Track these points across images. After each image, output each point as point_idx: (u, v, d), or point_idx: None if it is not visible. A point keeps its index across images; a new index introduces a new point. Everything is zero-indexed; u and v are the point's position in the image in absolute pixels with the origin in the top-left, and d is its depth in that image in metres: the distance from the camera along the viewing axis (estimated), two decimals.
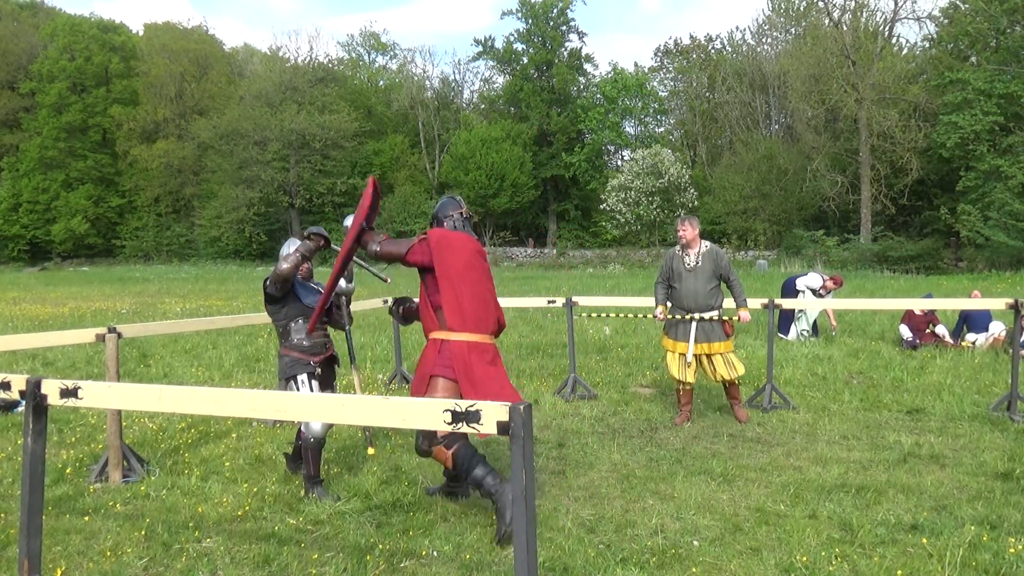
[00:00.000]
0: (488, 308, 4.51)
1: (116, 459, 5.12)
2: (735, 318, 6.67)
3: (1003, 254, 28.45)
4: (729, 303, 6.78)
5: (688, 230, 6.61)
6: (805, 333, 11.36)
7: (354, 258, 5.13)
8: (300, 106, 45.14)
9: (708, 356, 6.56)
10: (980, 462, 5.33)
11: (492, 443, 5.76)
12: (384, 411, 2.73)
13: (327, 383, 5.15)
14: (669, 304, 6.73)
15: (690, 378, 6.59)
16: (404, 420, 2.73)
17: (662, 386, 8.18)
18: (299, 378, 4.97)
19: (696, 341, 6.51)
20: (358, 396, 2.92)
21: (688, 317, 6.51)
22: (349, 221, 4.79)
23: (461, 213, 4.67)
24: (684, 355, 6.53)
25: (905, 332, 10.52)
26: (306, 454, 4.82)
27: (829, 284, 11.55)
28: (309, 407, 3.12)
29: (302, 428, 4.87)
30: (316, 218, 45.84)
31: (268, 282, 5.03)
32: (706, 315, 6.50)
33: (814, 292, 11.42)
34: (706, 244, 6.67)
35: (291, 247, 5.12)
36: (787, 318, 11.35)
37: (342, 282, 5.19)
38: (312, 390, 4.94)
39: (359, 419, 2.96)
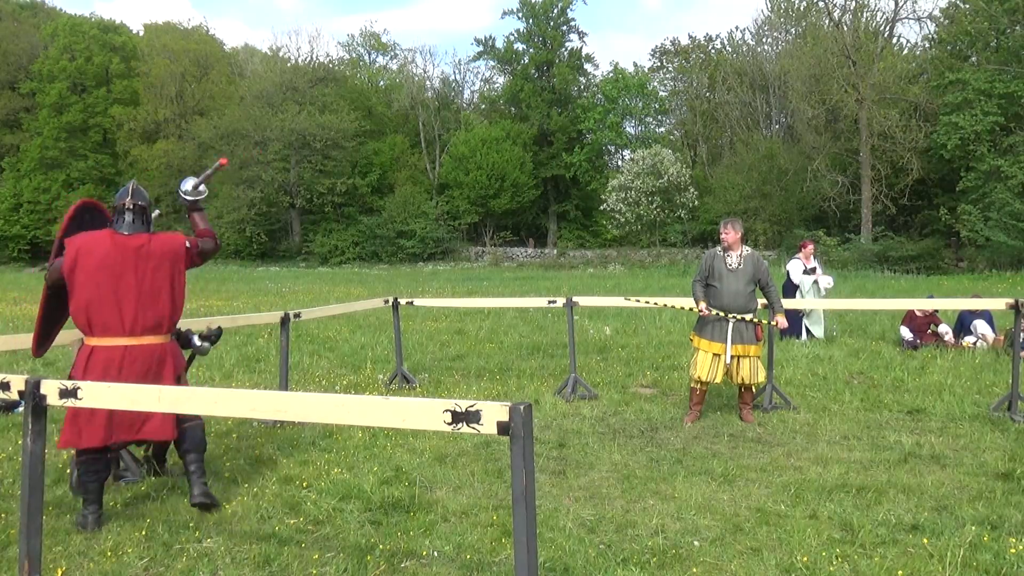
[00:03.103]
0: (139, 309, 4.29)
1: None
2: (772, 322, 6.79)
3: (1003, 254, 28.46)
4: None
5: (731, 233, 6.70)
6: (817, 327, 11.30)
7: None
8: (300, 106, 45.12)
9: (738, 358, 6.60)
10: (981, 462, 5.33)
11: (492, 443, 5.76)
12: (384, 411, 2.73)
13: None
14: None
15: (718, 379, 6.63)
16: (404, 420, 2.73)
17: (663, 386, 8.18)
18: None
19: (732, 342, 6.56)
20: (358, 396, 2.91)
21: (729, 316, 6.56)
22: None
23: (124, 205, 4.43)
24: (718, 355, 6.57)
25: (906, 333, 10.51)
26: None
27: (806, 254, 11.56)
28: (309, 407, 3.12)
29: None
30: (316, 218, 45.89)
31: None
32: (746, 316, 6.57)
33: (806, 273, 11.40)
34: (747, 248, 6.77)
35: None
36: (793, 320, 11.31)
37: (198, 341, 5.06)
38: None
39: (359, 419, 2.96)
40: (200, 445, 4.53)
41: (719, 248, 6.81)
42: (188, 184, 4.94)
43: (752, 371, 6.63)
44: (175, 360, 4.54)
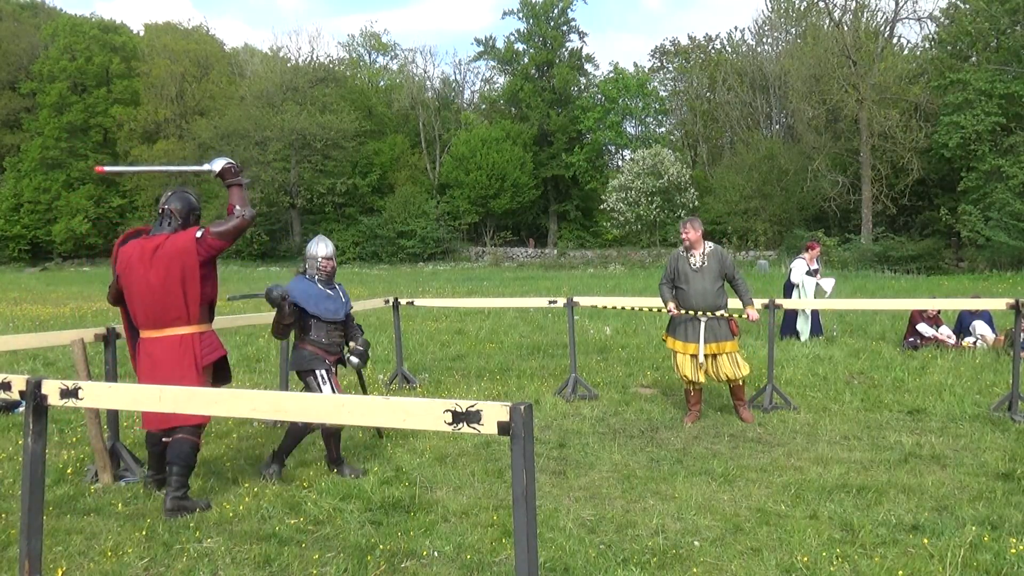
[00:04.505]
0: (157, 304, 4.58)
1: (102, 462, 5.08)
2: (744, 316, 6.71)
3: (1004, 254, 28.44)
4: (733, 303, 6.79)
5: (691, 232, 6.62)
6: (804, 332, 11.26)
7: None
8: (301, 106, 45.13)
9: (715, 356, 6.56)
10: (981, 462, 5.33)
11: (493, 443, 5.76)
12: (384, 411, 2.73)
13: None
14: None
15: (701, 378, 6.59)
16: (404, 420, 2.73)
17: (663, 386, 8.18)
18: (319, 373, 5.22)
19: (705, 341, 6.52)
20: (358, 396, 2.92)
21: (700, 314, 6.51)
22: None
23: (160, 210, 4.82)
24: (694, 356, 6.53)
25: (925, 330, 10.43)
26: (295, 431, 5.19)
27: (812, 255, 11.51)
28: (309, 407, 3.12)
29: None
30: (316, 218, 45.86)
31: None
32: (717, 313, 6.52)
33: (809, 274, 11.36)
34: (709, 245, 6.70)
35: (322, 247, 5.42)
36: (791, 320, 11.29)
37: (349, 356, 5.48)
38: (332, 388, 5.21)
39: (359, 419, 2.96)
40: (182, 458, 4.55)
41: (681, 249, 6.74)
42: (217, 164, 4.95)
43: (732, 366, 6.57)
44: (199, 349, 4.67)
